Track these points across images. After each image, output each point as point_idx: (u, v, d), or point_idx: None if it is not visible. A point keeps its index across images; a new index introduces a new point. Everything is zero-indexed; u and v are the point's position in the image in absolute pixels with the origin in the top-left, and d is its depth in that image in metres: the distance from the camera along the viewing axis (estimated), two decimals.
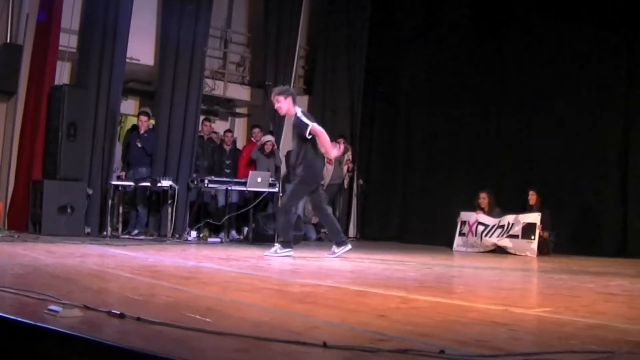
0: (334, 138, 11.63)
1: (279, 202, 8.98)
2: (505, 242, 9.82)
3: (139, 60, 11.61)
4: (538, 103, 11.11)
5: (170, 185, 10.51)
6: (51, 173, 9.96)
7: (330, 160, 11.24)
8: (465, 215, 10.65)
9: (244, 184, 10.71)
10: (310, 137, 7.40)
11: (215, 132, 12.25)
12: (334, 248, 7.58)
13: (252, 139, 12.11)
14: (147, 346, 2.25)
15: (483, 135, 11.96)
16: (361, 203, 13.61)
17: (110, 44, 10.70)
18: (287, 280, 4.99)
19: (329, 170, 11.66)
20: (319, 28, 13.88)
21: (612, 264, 8.26)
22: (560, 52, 10.89)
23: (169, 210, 10.63)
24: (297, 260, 6.99)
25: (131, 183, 10.56)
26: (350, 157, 12.78)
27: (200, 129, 11.65)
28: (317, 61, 13.76)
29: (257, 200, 10.91)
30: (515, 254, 9.57)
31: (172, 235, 10.55)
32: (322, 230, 11.56)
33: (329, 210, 8.24)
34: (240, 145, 12.91)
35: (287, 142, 12.42)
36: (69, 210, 9.81)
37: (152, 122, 11.36)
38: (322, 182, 9.09)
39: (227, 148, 11.91)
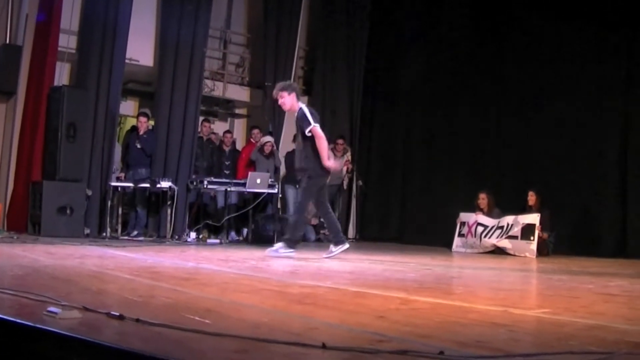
0: (333, 139, 11.67)
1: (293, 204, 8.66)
2: (505, 243, 9.81)
3: (138, 61, 11.62)
4: (537, 103, 11.10)
5: (170, 186, 10.50)
6: (50, 174, 9.95)
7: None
8: (464, 216, 10.65)
9: (244, 185, 10.72)
10: (309, 134, 7.37)
11: (215, 133, 12.25)
12: (332, 247, 7.55)
13: (252, 139, 12.11)
14: (147, 347, 2.25)
15: (482, 135, 11.95)
16: (360, 204, 13.60)
17: (109, 44, 10.70)
18: (286, 281, 4.99)
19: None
20: (319, 28, 13.88)
21: (612, 264, 8.26)
22: (559, 53, 10.88)
23: (168, 211, 10.63)
24: (297, 262, 6.99)
25: (130, 184, 10.56)
26: (349, 157, 12.77)
27: (199, 129, 11.65)
28: (317, 62, 13.75)
29: (257, 202, 10.92)
30: (514, 255, 9.57)
31: (172, 237, 10.55)
32: (322, 232, 11.56)
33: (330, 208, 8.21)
34: (239, 146, 12.90)
35: (286, 143, 12.44)
36: (68, 211, 9.81)
37: (152, 123, 11.36)
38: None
39: (227, 149, 11.90)
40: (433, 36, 12.88)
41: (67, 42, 10.62)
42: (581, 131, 10.55)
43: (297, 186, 11.61)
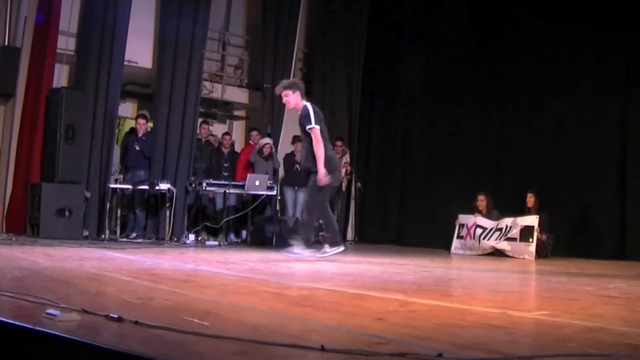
0: (332, 140, 11.65)
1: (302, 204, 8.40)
2: (504, 245, 9.81)
3: (137, 62, 11.62)
4: (537, 104, 11.08)
5: (169, 188, 10.50)
6: (49, 176, 9.95)
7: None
8: (463, 218, 10.64)
9: (242, 186, 10.72)
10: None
11: (213, 135, 12.26)
12: (326, 247, 7.49)
13: (250, 141, 12.11)
14: (145, 350, 2.25)
15: (482, 136, 11.92)
16: (359, 206, 13.59)
17: (108, 46, 10.70)
18: (284, 283, 4.98)
19: None
20: (317, 30, 13.88)
21: (611, 266, 8.26)
22: (559, 53, 10.87)
23: (167, 213, 10.63)
24: (295, 263, 6.99)
25: (129, 186, 10.56)
26: (348, 159, 12.77)
27: (198, 131, 11.64)
28: (315, 63, 13.75)
29: (255, 203, 10.93)
30: (513, 257, 9.57)
31: (170, 239, 10.54)
32: (321, 233, 11.55)
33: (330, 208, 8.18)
34: (238, 148, 12.90)
35: (285, 145, 12.44)
36: (67, 213, 9.81)
37: (150, 125, 11.36)
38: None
39: (225, 151, 11.90)
40: (432, 36, 12.85)
41: (66, 44, 10.63)
42: (580, 132, 10.55)
43: (296, 188, 11.64)
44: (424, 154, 12.88)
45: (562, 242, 10.18)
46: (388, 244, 12.45)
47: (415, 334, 2.79)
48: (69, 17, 10.58)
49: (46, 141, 10.14)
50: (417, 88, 13.07)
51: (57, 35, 10.38)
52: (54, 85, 10.42)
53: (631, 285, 5.76)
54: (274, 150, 11.85)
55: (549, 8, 10.91)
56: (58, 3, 10.30)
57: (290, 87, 7.56)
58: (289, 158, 12.04)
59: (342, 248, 7.52)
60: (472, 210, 10.58)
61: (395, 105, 13.48)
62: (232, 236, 11.40)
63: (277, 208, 11.71)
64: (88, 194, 10.36)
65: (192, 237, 10.68)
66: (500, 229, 9.96)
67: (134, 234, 10.71)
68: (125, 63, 11.12)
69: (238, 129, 14.05)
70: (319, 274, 5.97)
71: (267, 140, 11.76)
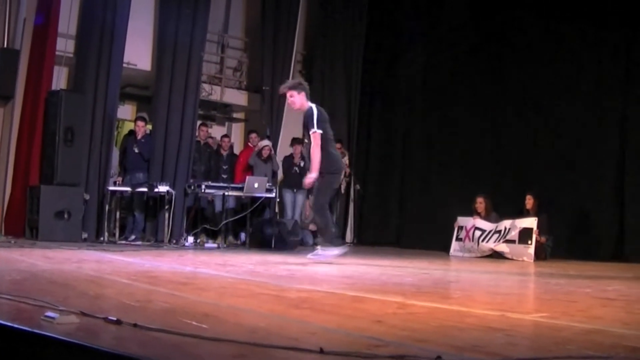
0: None
1: (308, 205, 8.29)
2: (502, 247, 9.82)
3: (136, 65, 11.63)
4: (536, 105, 11.10)
5: (168, 191, 10.50)
6: (48, 178, 9.95)
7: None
8: (462, 220, 10.64)
9: (241, 189, 10.72)
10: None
11: (212, 137, 12.26)
12: (319, 250, 7.45)
13: (249, 144, 12.11)
14: (144, 352, 2.25)
15: (481, 136, 11.93)
16: (358, 208, 13.59)
17: (107, 48, 10.70)
18: (283, 285, 4.98)
19: None
20: (317, 30, 13.89)
21: (610, 268, 8.26)
22: (558, 53, 10.89)
23: (166, 215, 10.63)
24: (294, 266, 6.98)
25: (128, 188, 10.55)
26: (347, 162, 12.76)
27: (197, 134, 11.64)
28: (315, 65, 13.75)
29: (254, 206, 10.93)
30: (512, 259, 9.58)
31: (169, 241, 10.54)
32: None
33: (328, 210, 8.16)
34: (237, 150, 12.90)
35: (284, 147, 12.44)
36: (66, 216, 9.80)
37: (149, 127, 11.36)
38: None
39: (224, 153, 11.90)
40: (432, 36, 12.86)
41: (65, 46, 10.63)
42: (579, 134, 10.56)
43: (295, 190, 11.64)
44: (423, 155, 12.87)
45: (561, 243, 10.20)
46: (387, 246, 12.45)
47: (414, 336, 2.79)
48: (68, 19, 10.58)
49: (45, 143, 10.13)
50: (416, 88, 13.06)
51: (56, 37, 10.37)
52: (53, 87, 10.42)
53: (630, 288, 5.76)
54: (273, 152, 11.86)
55: (549, 8, 10.93)
56: (57, 5, 10.30)
57: (296, 87, 7.49)
58: (288, 160, 12.05)
59: (335, 252, 7.44)
60: (471, 212, 10.58)
61: (394, 105, 13.48)
62: (231, 238, 11.40)
63: (276, 210, 11.72)
64: (87, 197, 10.36)
65: (190, 239, 10.69)
66: (499, 231, 9.96)
67: (132, 237, 10.69)
68: (124, 65, 11.12)
69: (237, 131, 14.06)
70: (317, 276, 5.97)
71: (266, 142, 11.77)
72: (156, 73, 11.51)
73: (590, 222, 10.44)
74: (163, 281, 4.88)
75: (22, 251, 7.45)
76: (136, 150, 10.76)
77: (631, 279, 6.76)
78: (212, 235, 11.25)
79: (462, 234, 10.52)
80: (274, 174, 11.86)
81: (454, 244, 10.61)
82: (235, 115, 14.05)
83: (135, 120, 11.18)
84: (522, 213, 10.08)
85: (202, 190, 10.67)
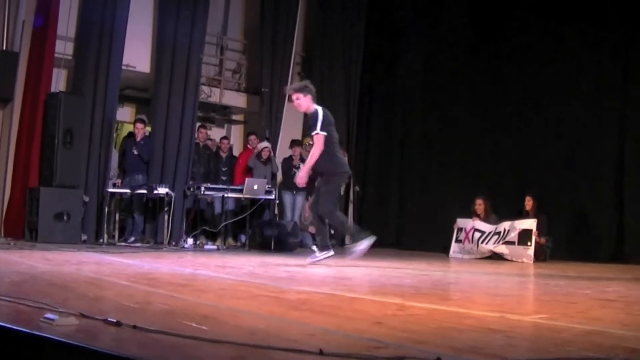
0: None
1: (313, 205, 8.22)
2: (502, 249, 9.82)
3: (135, 67, 11.63)
4: (536, 105, 11.08)
5: (167, 193, 10.50)
6: (47, 180, 9.94)
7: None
8: (461, 222, 10.64)
9: (241, 191, 10.72)
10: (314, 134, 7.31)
11: (211, 139, 12.26)
12: (316, 252, 7.44)
13: (249, 146, 12.12)
14: (143, 354, 2.25)
15: (481, 137, 11.91)
16: (357, 210, 13.57)
17: (106, 51, 10.71)
18: (283, 287, 4.98)
19: None
20: (316, 31, 13.88)
21: (609, 269, 8.26)
22: (558, 53, 10.88)
23: (166, 217, 10.62)
24: (293, 268, 6.98)
25: (127, 190, 10.55)
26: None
27: (196, 136, 11.64)
28: (313, 67, 13.74)
29: (254, 208, 10.93)
30: (511, 261, 9.57)
31: (169, 243, 10.54)
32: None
33: None
34: (236, 152, 12.90)
35: (283, 149, 12.44)
36: (65, 218, 9.80)
37: (148, 129, 11.36)
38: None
39: (223, 155, 11.90)
40: (432, 36, 12.85)
41: (64, 48, 10.63)
42: (579, 134, 10.56)
43: (294, 192, 11.63)
44: (423, 155, 12.86)
45: (561, 245, 10.19)
46: (386, 247, 12.41)
47: (413, 337, 2.79)
48: (67, 21, 10.58)
49: (44, 145, 10.14)
50: (416, 88, 13.04)
51: (55, 39, 10.38)
52: (52, 89, 10.42)
53: (630, 289, 5.75)
54: (272, 154, 11.85)
55: (549, 8, 10.92)
56: (56, 7, 10.30)
57: (302, 90, 7.46)
58: (287, 162, 12.04)
59: (331, 253, 7.37)
60: (471, 214, 10.58)
61: (394, 106, 13.47)
62: (230, 240, 11.40)
63: (276, 212, 11.71)
64: (86, 198, 10.36)
65: (190, 241, 10.68)
66: (499, 233, 9.96)
67: (132, 238, 10.69)
68: (123, 67, 11.13)
69: (236, 133, 14.05)
70: (317, 278, 5.97)
71: (265, 144, 11.77)
72: (155, 75, 11.52)
73: (590, 223, 10.44)
74: (162, 283, 4.88)
75: (21, 253, 7.45)
76: (135, 152, 10.75)
77: (631, 280, 6.76)
78: (212, 237, 11.25)
79: (462, 236, 10.52)
80: (274, 176, 11.86)
81: (454, 246, 10.61)
82: (234, 117, 14.05)
83: (134, 122, 11.18)
84: (521, 214, 10.09)
85: (202, 192, 10.67)
